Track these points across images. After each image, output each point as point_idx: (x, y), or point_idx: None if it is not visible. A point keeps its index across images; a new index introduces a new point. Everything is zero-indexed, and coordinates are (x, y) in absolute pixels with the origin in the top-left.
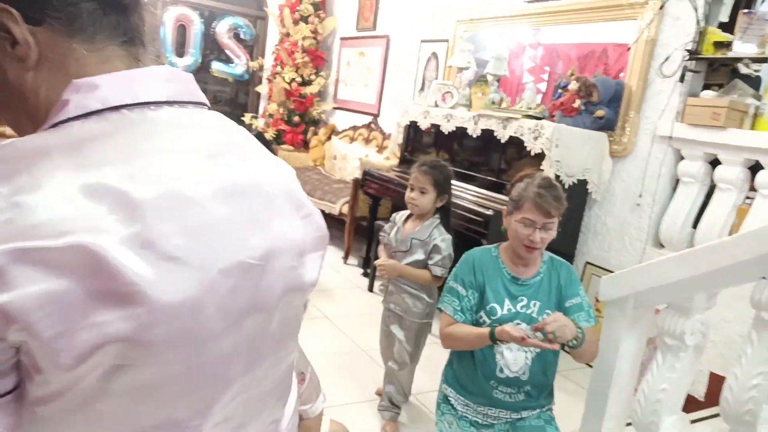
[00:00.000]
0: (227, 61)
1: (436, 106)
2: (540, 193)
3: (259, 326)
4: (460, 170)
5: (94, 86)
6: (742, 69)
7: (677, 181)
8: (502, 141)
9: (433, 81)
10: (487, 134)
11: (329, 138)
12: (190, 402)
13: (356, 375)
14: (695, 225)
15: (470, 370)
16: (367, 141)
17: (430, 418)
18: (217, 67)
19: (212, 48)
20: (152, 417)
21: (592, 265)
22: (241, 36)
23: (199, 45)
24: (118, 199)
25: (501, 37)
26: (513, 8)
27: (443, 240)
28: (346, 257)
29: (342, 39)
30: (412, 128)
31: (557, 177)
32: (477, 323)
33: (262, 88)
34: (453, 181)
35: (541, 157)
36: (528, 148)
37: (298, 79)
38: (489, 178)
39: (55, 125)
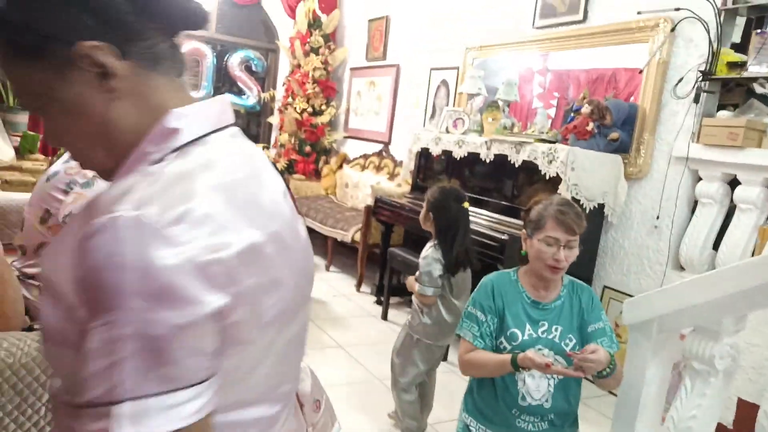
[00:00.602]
0: (239, 93)
1: (448, 132)
2: (562, 209)
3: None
4: (472, 195)
5: (198, 114)
6: (758, 89)
7: (695, 202)
8: (516, 165)
9: (444, 108)
10: (500, 159)
11: (341, 166)
12: (298, 364)
13: (370, 404)
14: (715, 246)
15: (491, 398)
16: (379, 168)
17: None
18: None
19: (224, 80)
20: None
21: (611, 289)
22: (253, 68)
23: (211, 78)
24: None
25: (510, 63)
26: (521, 35)
27: (424, 258)
28: (359, 285)
29: (352, 69)
30: (423, 155)
31: (577, 201)
32: (497, 349)
33: (274, 119)
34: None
35: (555, 181)
36: (543, 172)
37: (309, 110)
38: (502, 203)
39: (174, 150)
